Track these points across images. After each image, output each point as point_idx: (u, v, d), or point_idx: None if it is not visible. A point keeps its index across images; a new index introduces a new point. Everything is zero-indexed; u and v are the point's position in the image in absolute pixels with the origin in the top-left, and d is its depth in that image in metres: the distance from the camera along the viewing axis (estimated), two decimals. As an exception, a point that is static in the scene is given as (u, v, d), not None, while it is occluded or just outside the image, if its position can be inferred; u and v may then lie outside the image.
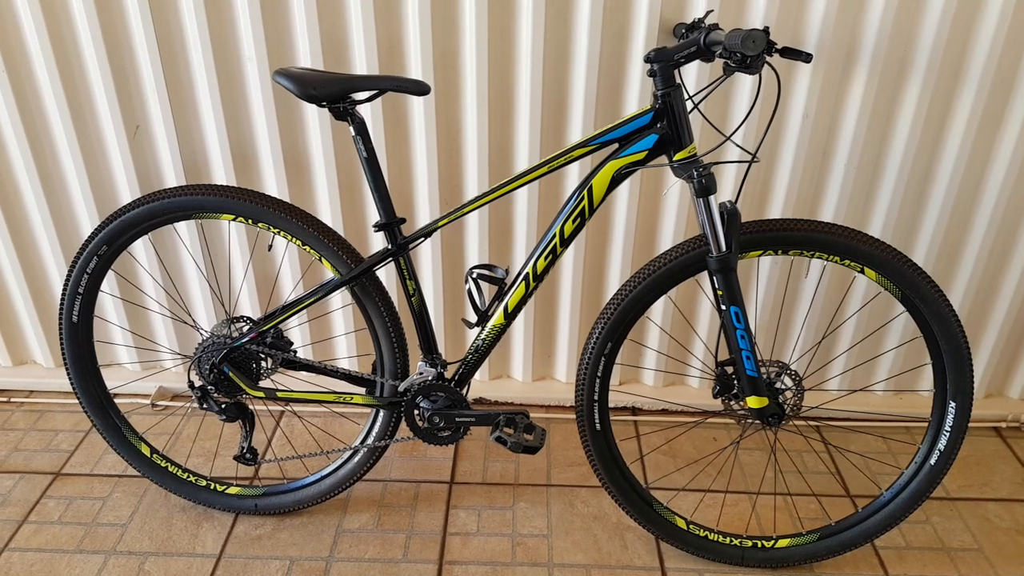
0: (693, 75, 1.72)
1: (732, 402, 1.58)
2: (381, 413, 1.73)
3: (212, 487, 1.83)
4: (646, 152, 1.43)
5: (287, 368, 1.69)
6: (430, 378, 1.64)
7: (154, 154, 1.89)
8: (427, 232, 1.54)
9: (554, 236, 1.50)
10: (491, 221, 1.94)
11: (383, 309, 1.63)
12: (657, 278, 1.51)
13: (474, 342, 1.61)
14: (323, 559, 1.72)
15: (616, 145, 1.45)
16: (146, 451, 1.83)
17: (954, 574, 1.71)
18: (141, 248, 2.00)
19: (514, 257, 2.00)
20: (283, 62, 1.76)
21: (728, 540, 1.70)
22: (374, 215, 1.93)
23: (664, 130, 1.41)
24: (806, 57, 1.33)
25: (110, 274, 2.00)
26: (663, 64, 1.36)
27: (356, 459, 1.78)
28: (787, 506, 1.88)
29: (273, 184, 1.90)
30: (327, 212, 1.93)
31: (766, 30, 1.25)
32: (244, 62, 1.76)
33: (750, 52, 1.25)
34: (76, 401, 1.78)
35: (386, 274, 1.96)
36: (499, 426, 1.63)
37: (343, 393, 1.68)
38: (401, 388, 1.66)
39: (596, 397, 1.60)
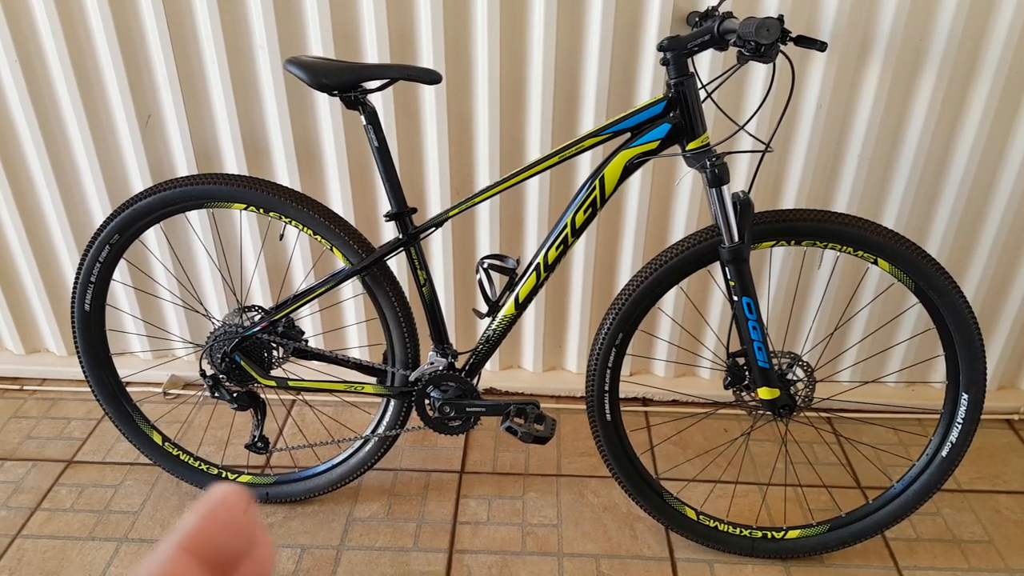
0: (706, 64, 1.71)
1: (743, 393, 1.57)
2: (392, 402, 1.74)
3: (224, 475, 1.84)
4: (658, 142, 1.42)
5: (298, 357, 1.69)
6: (441, 368, 1.64)
7: (166, 143, 1.89)
8: (438, 222, 1.54)
9: (565, 226, 1.50)
10: (502, 211, 1.94)
11: (394, 299, 1.63)
12: (669, 268, 1.50)
13: (485, 332, 1.61)
14: (334, 547, 1.73)
15: (628, 135, 1.44)
16: (158, 439, 1.84)
17: (965, 566, 1.70)
18: (153, 237, 2.01)
19: (525, 247, 2.00)
20: (294, 51, 1.75)
21: (738, 531, 1.70)
22: (385, 205, 1.93)
23: (677, 119, 1.40)
24: (821, 46, 1.32)
25: (122, 263, 2.01)
26: (676, 53, 1.35)
27: (367, 448, 1.78)
28: (798, 497, 1.88)
29: (284, 173, 1.90)
30: (338, 201, 1.93)
31: (780, 18, 1.24)
32: (255, 51, 1.76)
33: (764, 40, 1.24)
34: (88, 389, 1.79)
35: (397, 264, 1.96)
36: (509, 416, 1.63)
37: (354, 382, 1.68)
38: (412, 378, 1.66)
39: (607, 388, 1.59)
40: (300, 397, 2.20)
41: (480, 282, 1.55)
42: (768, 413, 1.55)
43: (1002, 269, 1.97)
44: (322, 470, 1.83)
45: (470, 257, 2.02)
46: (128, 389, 1.84)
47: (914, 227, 1.91)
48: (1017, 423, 2.14)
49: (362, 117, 1.48)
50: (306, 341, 1.68)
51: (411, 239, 1.55)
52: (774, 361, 1.51)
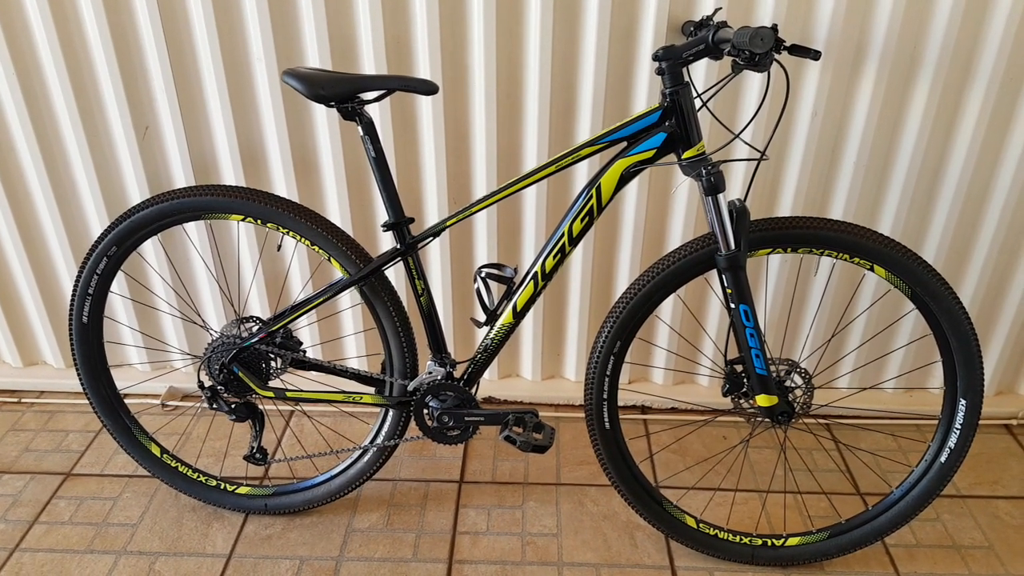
0: (701, 73, 1.72)
1: (742, 400, 1.57)
2: (390, 412, 1.74)
3: (222, 487, 1.84)
4: (654, 150, 1.43)
5: (296, 368, 1.69)
6: (439, 377, 1.64)
7: (163, 155, 1.89)
8: (436, 231, 1.54)
9: (562, 235, 1.50)
10: (499, 220, 1.94)
11: (392, 309, 1.63)
12: (666, 277, 1.51)
13: (483, 341, 1.61)
14: (333, 559, 1.73)
15: (624, 144, 1.45)
16: (156, 451, 1.84)
17: (965, 572, 1.70)
18: (151, 249, 2.01)
19: (522, 256, 2.00)
20: (291, 62, 1.76)
21: (738, 538, 1.70)
22: (383, 215, 1.94)
23: (672, 128, 1.41)
24: (814, 55, 1.33)
25: (120, 275, 2.01)
26: (671, 62, 1.36)
27: (366, 459, 1.78)
28: (797, 504, 1.88)
29: (282, 184, 1.90)
30: (336, 212, 1.93)
31: (774, 27, 1.25)
32: (253, 62, 1.76)
33: (758, 50, 1.24)
34: (86, 402, 1.79)
35: (395, 274, 1.96)
36: (508, 425, 1.63)
37: (352, 393, 1.68)
38: (410, 387, 1.66)
39: (605, 396, 1.59)
40: (298, 408, 2.20)
41: (478, 291, 1.55)
42: (767, 420, 1.55)
43: (999, 274, 1.97)
44: (321, 481, 1.82)
45: (468, 266, 2.02)
46: (126, 401, 1.83)
47: (910, 233, 1.91)
48: (1016, 428, 2.14)
49: (359, 128, 1.49)
50: (304, 352, 1.68)
51: (409, 249, 1.55)
52: (772, 368, 1.51)
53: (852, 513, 1.72)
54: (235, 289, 2.07)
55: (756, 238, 1.46)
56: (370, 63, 1.74)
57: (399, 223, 1.53)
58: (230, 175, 1.90)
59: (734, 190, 1.85)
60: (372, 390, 1.73)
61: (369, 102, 1.49)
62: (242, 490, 1.83)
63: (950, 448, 1.58)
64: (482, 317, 1.59)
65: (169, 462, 1.84)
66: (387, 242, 1.99)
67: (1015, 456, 2.04)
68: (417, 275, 1.58)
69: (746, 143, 1.68)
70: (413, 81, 1.46)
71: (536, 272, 1.53)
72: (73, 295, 1.68)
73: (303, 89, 1.43)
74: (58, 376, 2.25)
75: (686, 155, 1.41)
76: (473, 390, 1.66)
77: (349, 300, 2.07)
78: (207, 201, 1.59)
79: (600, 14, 1.66)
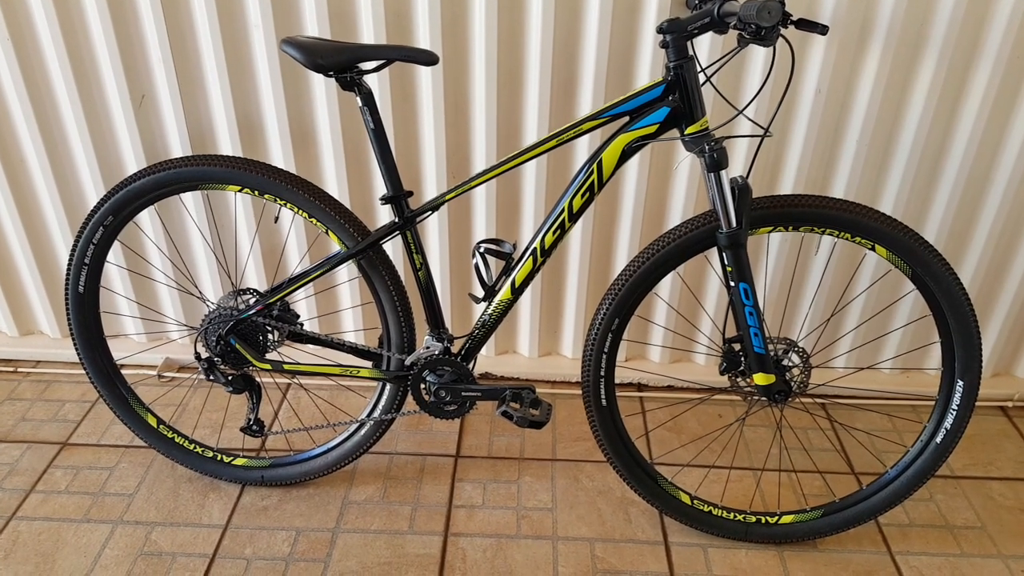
0: (706, 47, 1.69)
1: (739, 379, 1.57)
2: (387, 387, 1.74)
3: (219, 458, 1.84)
4: (657, 125, 1.41)
5: (294, 341, 1.69)
6: (437, 352, 1.64)
7: (160, 124, 1.87)
8: (434, 206, 1.53)
9: (562, 211, 1.49)
10: (499, 195, 1.93)
11: (390, 283, 1.62)
12: (666, 254, 1.50)
13: (481, 317, 1.61)
14: (329, 530, 1.73)
15: (627, 118, 1.43)
16: (153, 422, 1.84)
17: (957, 551, 1.71)
18: (147, 219, 1.99)
19: (522, 232, 1.99)
20: (290, 31, 1.73)
21: (732, 515, 1.71)
22: (381, 188, 1.92)
23: (676, 103, 1.39)
24: (822, 29, 1.31)
25: (116, 245, 2.00)
26: (676, 35, 1.34)
27: (362, 432, 1.78)
28: (792, 483, 1.88)
29: (279, 155, 1.89)
30: (333, 184, 1.91)
31: (781, 1, 1.22)
32: (250, 30, 1.74)
33: (765, 23, 1.22)
34: (83, 372, 1.79)
35: (393, 248, 1.95)
36: (505, 401, 1.63)
37: (350, 366, 1.68)
38: (408, 362, 1.66)
39: (602, 373, 1.59)
40: (295, 380, 2.20)
41: (476, 267, 1.54)
42: (763, 399, 1.55)
43: (999, 256, 1.96)
44: (317, 453, 1.83)
45: (466, 241, 2.01)
46: (123, 371, 1.83)
47: (912, 213, 1.90)
48: (1011, 410, 2.15)
49: (358, 99, 1.47)
50: (301, 325, 1.67)
51: (407, 223, 1.54)
52: (770, 347, 1.51)
53: (846, 492, 1.73)
54: (232, 261, 2.06)
55: (758, 216, 1.45)
56: (369, 32, 1.72)
57: (397, 196, 1.52)
58: (227, 145, 1.88)
59: (736, 167, 1.84)
60: (369, 364, 1.73)
61: (368, 72, 1.47)
62: (239, 461, 1.84)
63: (946, 429, 1.58)
64: (480, 293, 1.58)
65: (166, 433, 1.84)
66: (385, 216, 1.98)
67: (1010, 438, 2.05)
68: (415, 249, 1.57)
69: (750, 119, 1.66)
70: (413, 51, 1.44)
71: (535, 248, 1.52)
72: (69, 265, 1.67)
73: (301, 58, 1.41)
74: (54, 346, 2.25)
75: (689, 130, 1.40)
76: (470, 365, 1.66)
77: (347, 274, 2.06)
78: (204, 171, 1.57)
79: (604, -14, 1.64)
